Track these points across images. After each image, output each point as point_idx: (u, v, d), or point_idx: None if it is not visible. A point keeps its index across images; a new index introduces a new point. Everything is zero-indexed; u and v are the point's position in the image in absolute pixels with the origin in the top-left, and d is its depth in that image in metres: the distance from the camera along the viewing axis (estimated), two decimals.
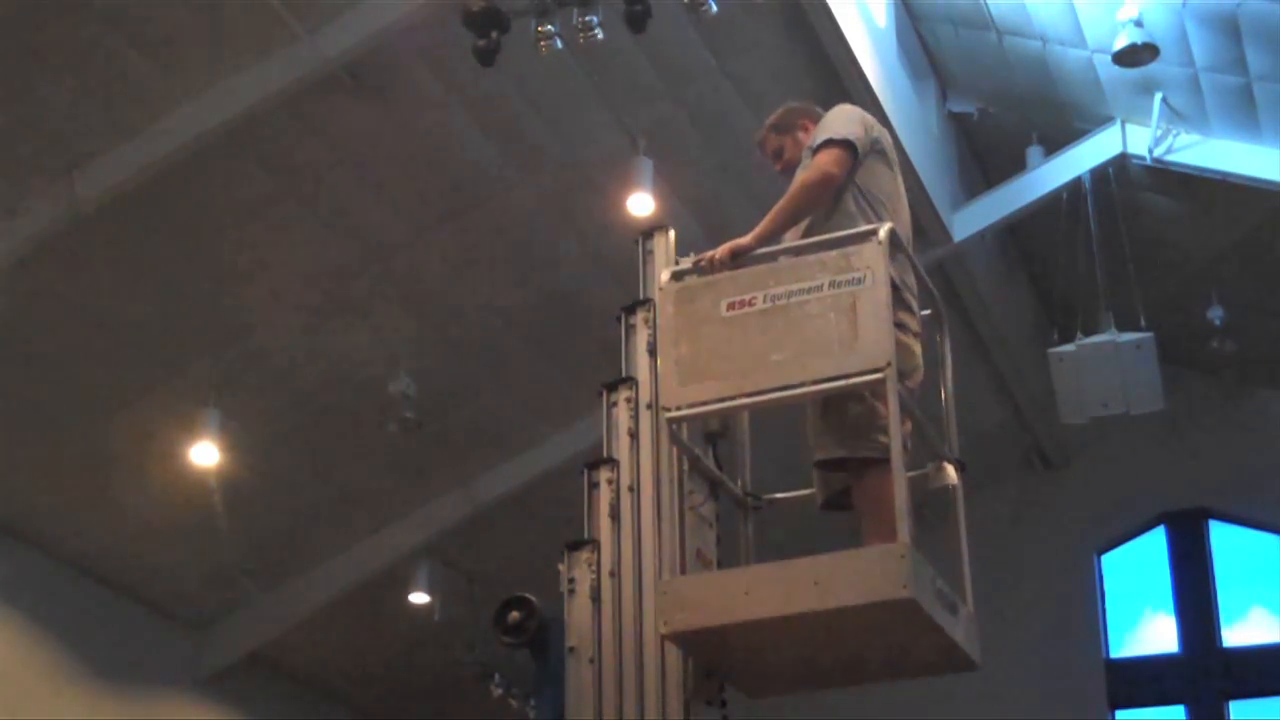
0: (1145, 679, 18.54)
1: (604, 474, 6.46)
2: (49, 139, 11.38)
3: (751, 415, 6.71)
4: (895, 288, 5.97)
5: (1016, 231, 16.43)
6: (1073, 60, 13.54)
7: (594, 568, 6.34)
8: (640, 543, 6.35)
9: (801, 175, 6.41)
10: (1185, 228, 15.81)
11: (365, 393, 13.99)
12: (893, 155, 6.62)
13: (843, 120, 6.51)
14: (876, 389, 5.81)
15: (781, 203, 6.33)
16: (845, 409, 6.07)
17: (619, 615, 6.27)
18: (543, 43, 9.99)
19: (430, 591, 16.05)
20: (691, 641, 5.93)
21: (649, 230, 6.96)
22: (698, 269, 6.25)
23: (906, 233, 6.46)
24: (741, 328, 5.92)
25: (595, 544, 6.39)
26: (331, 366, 13.98)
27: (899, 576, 5.47)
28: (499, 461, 15.57)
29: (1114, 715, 18.45)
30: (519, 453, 15.48)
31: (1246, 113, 13.37)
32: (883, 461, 5.84)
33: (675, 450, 6.16)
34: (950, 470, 6.32)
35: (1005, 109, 14.83)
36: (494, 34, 9.46)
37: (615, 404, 6.58)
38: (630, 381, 6.59)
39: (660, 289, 6.27)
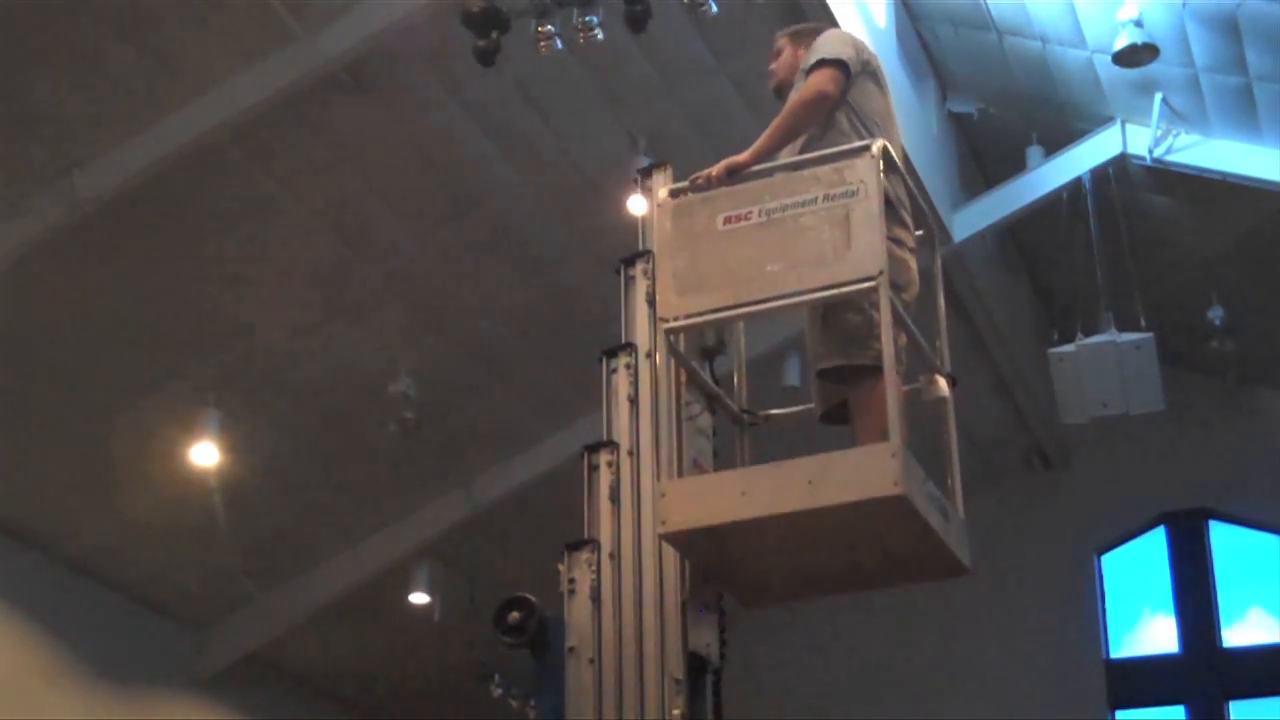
0: (1145, 679, 18.54)
1: (604, 456, 6.50)
2: (49, 139, 11.38)
3: (747, 335, 6.95)
4: (889, 203, 6.07)
5: (1016, 232, 16.43)
6: (1073, 60, 13.54)
7: (594, 568, 6.34)
8: (640, 520, 6.36)
9: (796, 94, 6.58)
10: (1185, 228, 15.81)
11: (365, 393, 13.99)
12: (884, 78, 6.79)
13: (834, 42, 6.71)
14: (871, 298, 5.91)
15: (776, 121, 6.48)
16: (843, 319, 6.22)
17: (619, 595, 6.29)
18: (543, 43, 10.00)
19: (430, 592, 16.05)
20: (688, 542, 6.04)
21: (647, 169, 7.10)
22: (695, 186, 6.38)
23: (899, 152, 6.58)
24: (738, 241, 6.05)
25: (595, 544, 6.39)
26: (331, 367, 13.98)
27: (890, 474, 5.59)
28: (499, 461, 15.58)
29: (1114, 715, 18.44)
30: (519, 453, 15.48)
31: (1246, 113, 13.37)
32: (878, 370, 5.97)
33: (673, 362, 6.29)
34: (942, 383, 6.39)
35: (1005, 109, 14.82)
36: (494, 34, 9.47)
37: (615, 370, 6.67)
38: (630, 347, 6.66)
39: (658, 205, 6.41)
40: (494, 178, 13.04)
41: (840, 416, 6.47)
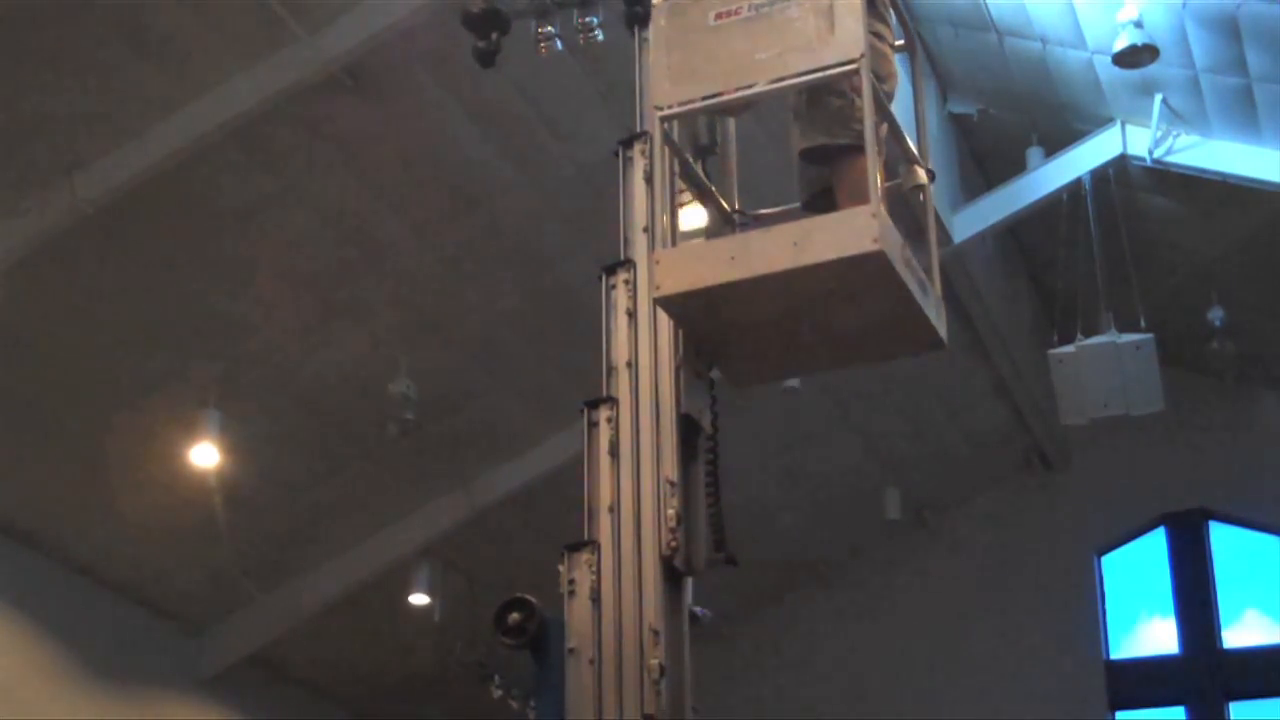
0: (1145, 680, 18.56)
1: (603, 412, 6.58)
2: (49, 140, 11.39)
3: (739, 135, 7.29)
4: (871, 2, 6.45)
5: (1017, 233, 16.43)
6: (1073, 61, 13.54)
7: (594, 569, 6.34)
8: (640, 473, 6.39)
9: None
10: (1185, 229, 15.81)
11: (365, 394, 13.99)
12: None
13: None
14: (853, 81, 6.24)
15: None
16: (825, 102, 6.54)
17: (618, 545, 6.32)
18: (542, 44, 9.98)
19: (430, 593, 16.05)
20: (681, 306, 6.33)
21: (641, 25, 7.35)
22: None
23: None
24: (728, 34, 6.37)
25: (595, 545, 6.39)
26: (331, 367, 13.98)
27: (870, 231, 5.94)
28: (499, 462, 15.58)
29: (1114, 716, 18.47)
30: (519, 454, 15.48)
31: (1246, 114, 13.37)
32: (859, 149, 6.27)
33: (668, 150, 6.61)
34: (920, 172, 6.76)
35: (1005, 110, 14.82)
36: (494, 35, 9.45)
37: (614, 287, 6.82)
38: (629, 264, 6.82)
39: (654, 5, 6.72)
40: (494, 178, 13.05)
41: (823, 204, 6.68)
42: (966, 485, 19.21)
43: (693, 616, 6.52)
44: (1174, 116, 13.73)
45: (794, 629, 19.46)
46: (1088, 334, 14.61)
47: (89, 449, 13.47)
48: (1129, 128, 14.19)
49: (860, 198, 6.14)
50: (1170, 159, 14.00)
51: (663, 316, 6.58)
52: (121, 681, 14.93)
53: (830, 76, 6.23)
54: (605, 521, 6.40)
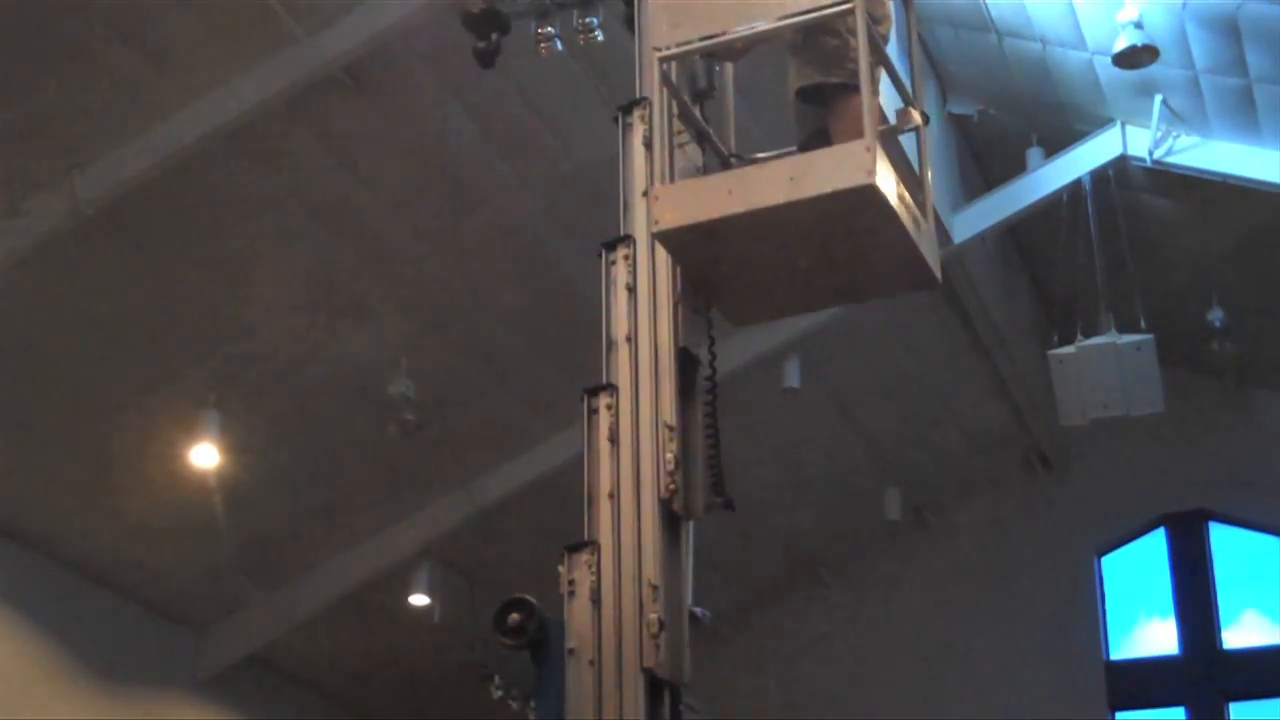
0: (1145, 681, 18.55)
1: (603, 400, 6.60)
2: (50, 140, 11.39)
3: (736, 78, 7.43)
4: None
5: (1017, 233, 16.43)
6: (1073, 62, 13.54)
7: (594, 569, 6.34)
8: (639, 459, 6.39)
9: None
10: (1185, 229, 15.81)
11: (365, 394, 13.99)
12: None
13: None
14: (849, 21, 6.36)
15: None
16: (821, 42, 6.66)
17: (619, 545, 6.32)
18: (543, 44, 9.98)
19: (430, 593, 16.05)
20: (679, 241, 6.44)
21: None
22: None
23: None
24: None
25: (595, 545, 6.39)
26: (331, 368, 13.98)
27: (864, 165, 6.03)
28: (499, 463, 15.58)
29: (1114, 716, 18.46)
30: (519, 454, 15.48)
31: (1246, 114, 13.36)
32: (853, 88, 6.37)
33: (666, 92, 6.68)
34: (915, 114, 6.86)
35: (1005, 111, 14.82)
36: (494, 36, 9.45)
37: (614, 263, 6.88)
38: (628, 240, 6.86)
39: None
40: (494, 178, 13.05)
41: (819, 145, 6.73)
42: (966, 485, 19.21)
43: (693, 616, 6.52)
44: (1174, 117, 13.74)
45: (794, 629, 19.46)
46: (1088, 334, 14.61)
47: (89, 449, 13.48)
48: (1129, 128, 14.19)
49: (855, 135, 6.22)
50: (1170, 159, 14.00)
51: (662, 284, 6.65)
52: (121, 681, 14.94)
53: (826, 16, 6.35)
54: (605, 508, 6.41)
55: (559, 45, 10.05)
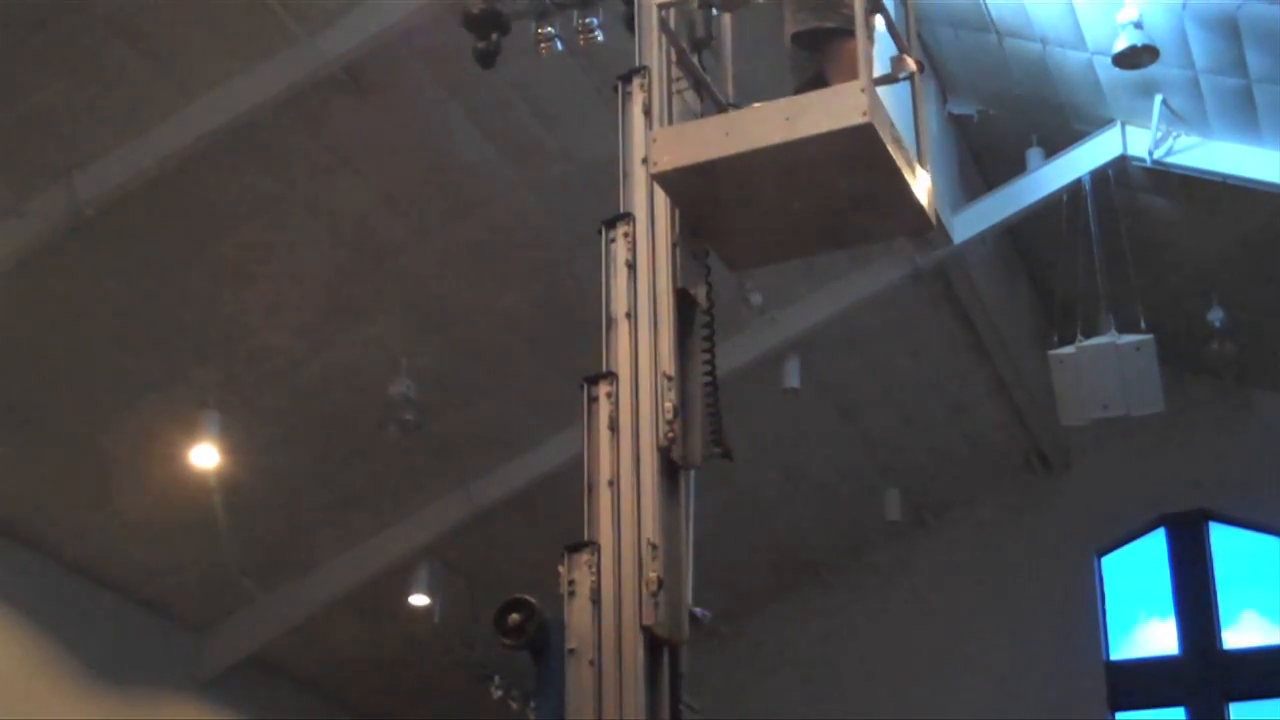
0: (1145, 681, 18.54)
1: (603, 388, 6.62)
2: (49, 141, 11.38)
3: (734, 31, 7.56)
4: None
5: (1017, 233, 16.43)
6: (1073, 62, 13.54)
7: (594, 569, 6.34)
8: (639, 444, 6.38)
9: None
10: (1185, 230, 15.81)
11: (365, 394, 13.99)
12: None
13: None
14: None
15: None
16: None
17: (619, 529, 6.32)
18: (543, 44, 9.98)
19: (430, 593, 16.05)
20: (677, 182, 6.50)
21: None
22: None
23: None
24: None
25: (595, 546, 6.39)
26: (331, 368, 13.98)
27: (860, 105, 6.13)
28: (499, 463, 15.58)
29: (1114, 717, 18.45)
30: (519, 454, 15.48)
31: (1246, 115, 13.37)
32: (850, 33, 6.47)
33: (664, 38, 6.83)
34: (910, 61, 6.87)
35: (1005, 111, 14.82)
36: (494, 36, 9.45)
37: (614, 240, 6.93)
38: (628, 218, 6.91)
39: None
40: (494, 178, 13.05)
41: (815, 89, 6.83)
42: (966, 485, 19.20)
43: (693, 617, 6.52)
44: (1174, 117, 13.74)
45: (794, 629, 19.45)
46: (1088, 335, 14.61)
47: (89, 449, 13.48)
48: (1129, 128, 14.20)
49: (851, 78, 6.32)
50: (1170, 160, 14.00)
51: (661, 260, 6.70)
52: (121, 681, 14.93)
53: None
54: (605, 496, 6.42)
55: (559, 45, 10.05)
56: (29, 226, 11.64)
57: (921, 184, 6.61)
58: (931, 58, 14.33)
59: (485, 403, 14.99)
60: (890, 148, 6.25)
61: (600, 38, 9.97)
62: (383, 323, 13.90)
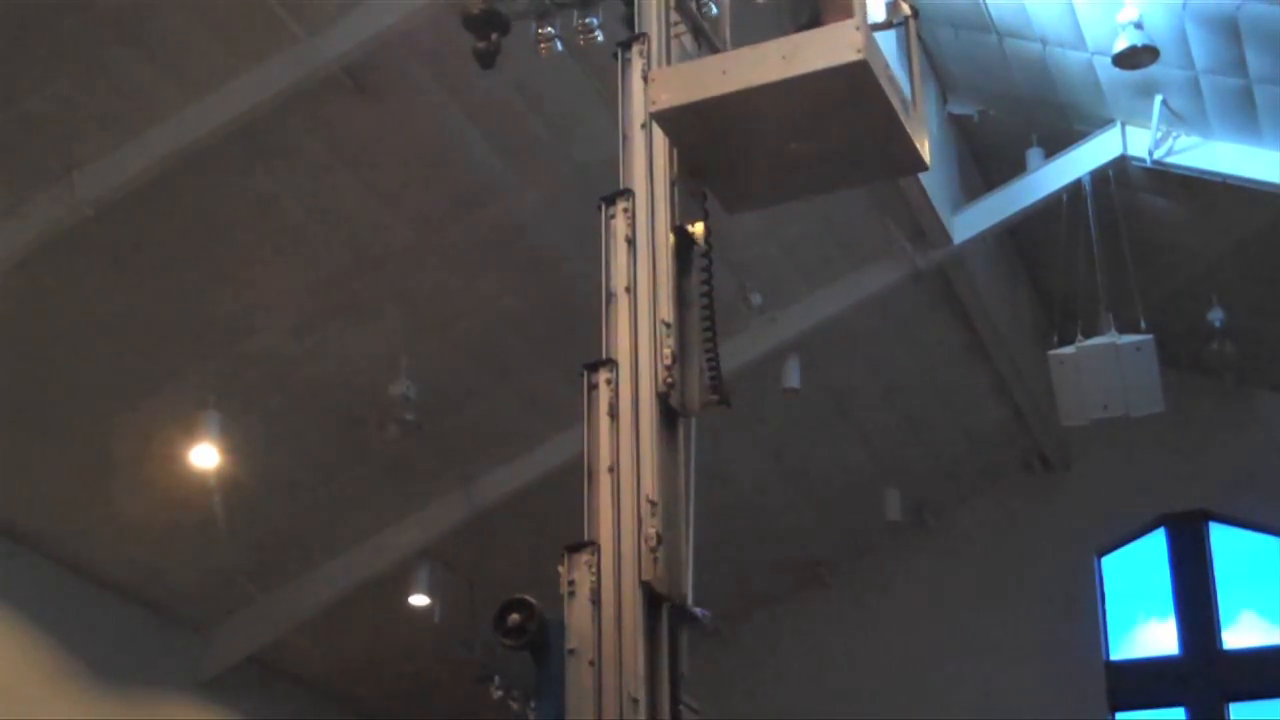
0: (1145, 681, 18.55)
1: (603, 375, 6.61)
2: (49, 140, 11.38)
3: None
4: None
5: (1017, 234, 16.44)
6: (1073, 62, 13.54)
7: (594, 570, 6.33)
8: (639, 432, 6.39)
9: None
10: (1185, 230, 15.81)
11: (365, 395, 13.99)
12: None
13: None
14: None
15: None
16: None
17: (619, 509, 6.34)
18: (543, 45, 9.97)
19: (430, 594, 16.05)
20: (675, 121, 6.59)
21: None
22: None
23: None
24: None
25: (595, 546, 6.38)
26: (331, 368, 13.98)
27: (854, 43, 6.25)
28: (499, 463, 15.58)
29: (1114, 717, 18.46)
30: (519, 455, 15.48)
31: (1246, 115, 13.37)
32: None
33: None
34: (904, 5, 7.01)
35: (1005, 111, 14.82)
36: (494, 36, 9.44)
37: (614, 216, 6.93)
38: (628, 194, 6.92)
39: None
40: (494, 178, 13.05)
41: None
42: (966, 485, 19.21)
43: (693, 616, 6.52)
44: (1174, 117, 13.75)
45: (794, 629, 19.45)
46: (1088, 335, 14.62)
47: (89, 449, 13.47)
48: (1129, 128, 14.21)
49: (846, 18, 6.39)
50: (1170, 160, 14.01)
51: (660, 236, 6.72)
52: (121, 682, 14.93)
53: None
54: (604, 482, 6.43)
55: (559, 45, 10.04)
56: (29, 226, 11.64)
57: (916, 125, 6.70)
58: (931, 58, 14.34)
59: (485, 403, 14.99)
60: (885, 86, 6.34)
61: (600, 38, 9.97)
62: (383, 323, 13.90)
